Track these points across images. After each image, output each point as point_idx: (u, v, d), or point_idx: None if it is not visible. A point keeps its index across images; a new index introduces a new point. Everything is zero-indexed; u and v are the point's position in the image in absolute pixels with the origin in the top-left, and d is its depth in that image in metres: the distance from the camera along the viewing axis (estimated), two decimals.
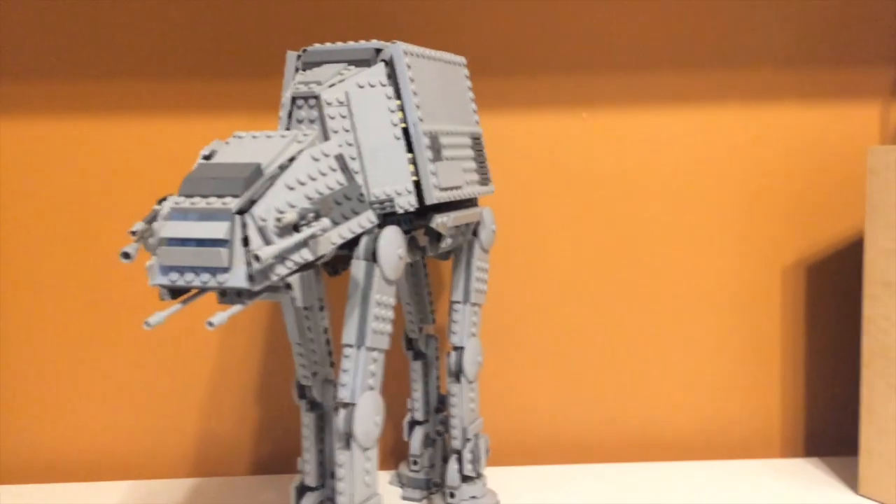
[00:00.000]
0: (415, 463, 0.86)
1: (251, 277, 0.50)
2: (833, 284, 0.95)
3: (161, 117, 0.91)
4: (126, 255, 0.51)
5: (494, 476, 0.87)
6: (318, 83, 0.63)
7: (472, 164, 0.74)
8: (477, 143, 0.76)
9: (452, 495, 0.78)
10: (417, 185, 0.66)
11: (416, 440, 0.85)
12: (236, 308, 0.50)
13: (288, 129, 0.63)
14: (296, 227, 0.52)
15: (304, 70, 0.67)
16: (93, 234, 0.92)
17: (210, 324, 0.47)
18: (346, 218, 0.56)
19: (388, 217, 0.65)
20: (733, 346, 0.96)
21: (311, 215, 0.52)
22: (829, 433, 0.97)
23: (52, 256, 0.92)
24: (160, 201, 0.53)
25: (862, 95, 0.93)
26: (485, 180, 0.76)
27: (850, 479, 0.86)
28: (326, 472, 0.70)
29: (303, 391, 0.70)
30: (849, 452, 0.93)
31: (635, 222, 0.94)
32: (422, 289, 0.84)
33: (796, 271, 0.95)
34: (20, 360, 0.93)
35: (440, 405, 0.87)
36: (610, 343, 0.96)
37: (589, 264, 0.95)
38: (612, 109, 0.93)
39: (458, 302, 0.78)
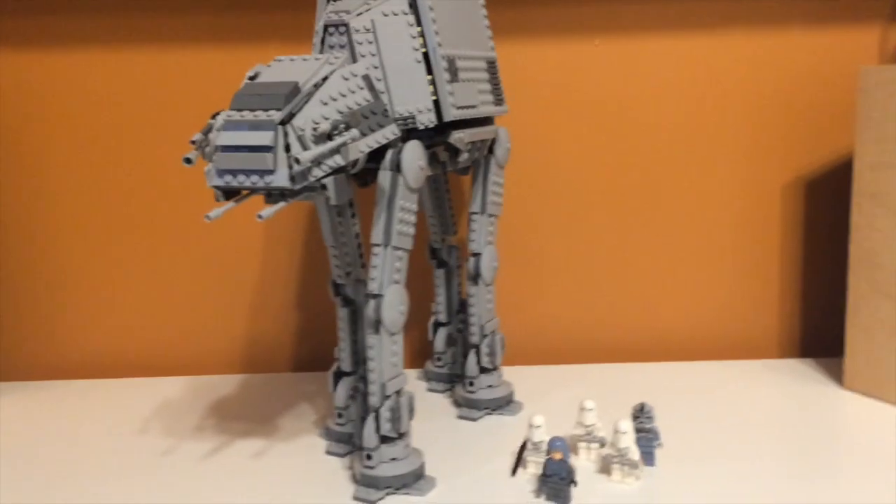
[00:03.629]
0: (438, 359, 0.95)
1: (293, 178, 0.58)
2: (829, 199, 1.01)
3: (207, 48, 0.99)
4: (188, 161, 0.60)
5: (509, 374, 0.95)
6: (347, 12, 0.70)
7: (487, 86, 0.81)
8: (492, 66, 0.83)
9: (472, 384, 0.87)
10: (437, 104, 0.73)
11: (439, 339, 0.94)
12: (280, 204, 0.59)
13: (321, 53, 0.70)
14: (329, 136, 0.60)
15: (334, 1, 0.74)
16: (150, 150, 1.01)
17: (259, 216, 0.56)
18: (373, 130, 0.64)
19: (410, 133, 0.72)
20: (735, 256, 1.03)
21: (342, 126, 0.60)
22: (823, 336, 1.04)
23: (112, 167, 1.01)
24: (214, 116, 0.62)
25: (861, 19, 0.97)
26: (499, 101, 0.83)
27: (838, 376, 0.94)
28: (359, 360, 0.79)
29: (338, 289, 0.79)
30: (839, 353, 1.00)
31: (643, 142, 1.01)
32: (443, 202, 0.92)
33: (795, 187, 1.02)
34: (82, 265, 1.04)
35: (461, 308, 0.95)
36: (618, 253, 1.03)
37: (598, 181, 1.02)
38: (622, 36, 0.99)
39: (475, 213, 0.86)
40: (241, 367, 1.06)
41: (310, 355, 1.06)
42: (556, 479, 0.69)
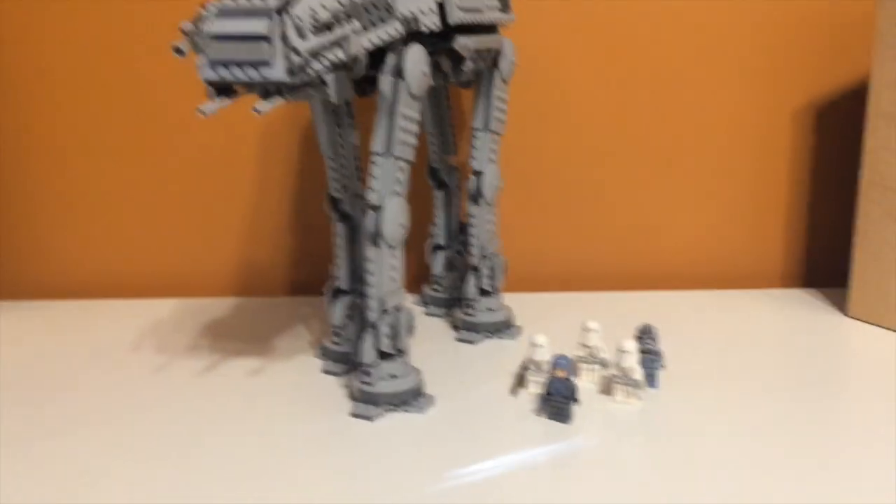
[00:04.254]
0: (437, 284, 0.93)
1: (290, 71, 0.55)
2: (837, 125, 0.99)
3: None
4: (178, 51, 0.56)
5: (509, 301, 0.93)
6: None
7: None
8: None
9: (471, 307, 0.85)
10: (441, 8, 0.70)
11: (437, 263, 0.92)
12: (277, 99, 0.56)
13: None
14: (329, 28, 0.56)
15: None
16: (138, 66, 0.97)
17: (256, 109, 0.53)
18: (375, 25, 0.60)
19: (412, 37, 0.69)
20: (741, 183, 1.01)
21: (343, 16, 0.57)
22: (826, 267, 1.03)
23: (106, 91, 0.98)
24: (204, 5, 0.58)
25: None
26: (505, 7, 0.79)
27: (841, 305, 0.93)
28: (357, 278, 0.77)
29: (335, 204, 0.76)
30: (843, 285, 0.99)
31: (651, 65, 0.97)
32: (444, 119, 0.89)
33: (804, 113, 0.99)
34: (75, 188, 1.01)
35: (460, 232, 0.93)
36: (623, 178, 1.01)
37: (605, 103, 0.99)
38: None
39: (478, 129, 0.83)
40: (236, 290, 1.04)
41: (306, 279, 1.04)
42: (559, 398, 0.67)
